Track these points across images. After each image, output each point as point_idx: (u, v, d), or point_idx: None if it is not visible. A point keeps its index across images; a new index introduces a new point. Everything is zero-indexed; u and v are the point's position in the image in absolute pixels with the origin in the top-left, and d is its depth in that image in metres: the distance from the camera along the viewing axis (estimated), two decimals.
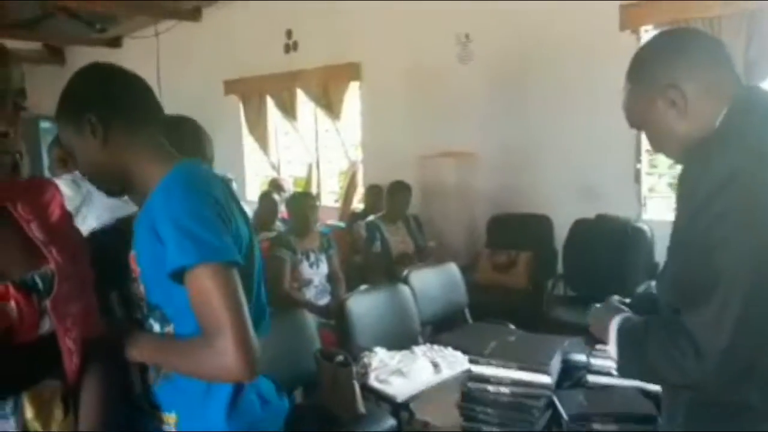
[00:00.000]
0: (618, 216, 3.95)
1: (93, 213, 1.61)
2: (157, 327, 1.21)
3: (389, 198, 4.36)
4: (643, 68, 1.21)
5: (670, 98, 1.16)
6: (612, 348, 1.22)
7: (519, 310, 3.74)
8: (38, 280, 1.02)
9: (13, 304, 0.97)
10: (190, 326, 1.13)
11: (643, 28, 3.98)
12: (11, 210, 1.05)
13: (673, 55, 1.18)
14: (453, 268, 3.57)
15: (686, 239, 1.09)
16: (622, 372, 1.24)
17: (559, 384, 1.85)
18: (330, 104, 5.66)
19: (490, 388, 1.80)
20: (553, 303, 3.99)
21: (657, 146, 1.26)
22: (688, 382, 1.06)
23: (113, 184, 1.24)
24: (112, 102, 1.19)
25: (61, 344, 1.04)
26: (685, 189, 1.14)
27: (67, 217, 1.17)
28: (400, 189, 4.33)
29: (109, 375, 1.13)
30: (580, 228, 4.03)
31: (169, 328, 1.20)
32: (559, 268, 4.27)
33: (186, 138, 1.56)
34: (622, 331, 1.20)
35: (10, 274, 0.99)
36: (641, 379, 1.42)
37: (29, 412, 1.02)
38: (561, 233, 4.19)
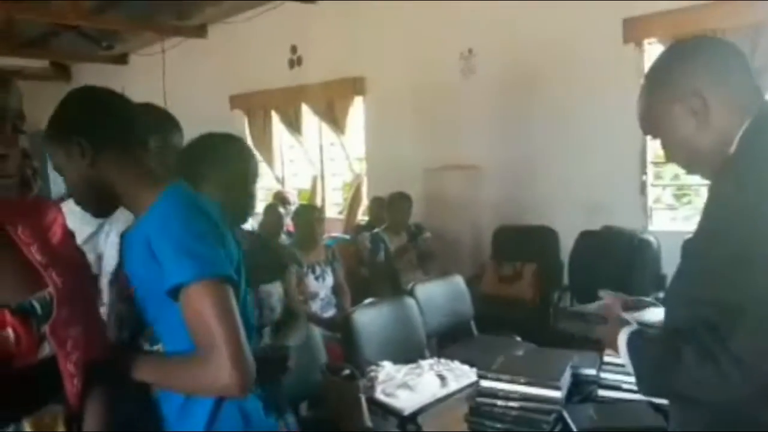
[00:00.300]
0: (624, 228, 3.93)
1: (116, 229, 1.62)
2: (146, 346, 1.21)
3: (389, 209, 4.38)
4: (664, 74, 1.17)
5: (691, 107, 1.12)
6: (627, 364, 1.21)
7: (525, 322, 3.73)
8: (36, 305, 1.01)
9: (10, 330, 0.96)
10: (181, 344, 1.14)
11: (646, 41, 4.00)
12: (11, 233, 1.03)
13: (696, 62, 1.14)
14: (458, 280, 3.57)
15: (717, 256, 1.04)
16: (643, 390, 1.24)
17: (568, 398, 1.83)
18: (335, 118, 5.69)
19: (499, 402, 1.78)
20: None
21: (672, 156, 1.22)
22: (729, 396, 1.03)
23: (101, 205, 1.25)
24: (102, 125, 1.20)
25: (62, 368, 1.03)
26: (715, 209, 1.10)
27: (69, 238, 1.16)
28: (399, 199, 4.35)
29: (112, 397, 1.13)
30: (586, 240, 4.02)
31: (159, 347, 1.20)
32: (565, 279, 4.27)
33: (233, 156, 1.68)
34: (633, 349, 1.19)
35: (7, 299, 0.98)
36: (665, 395, 1.31)
37: None
38: (567, 245, 4.18)
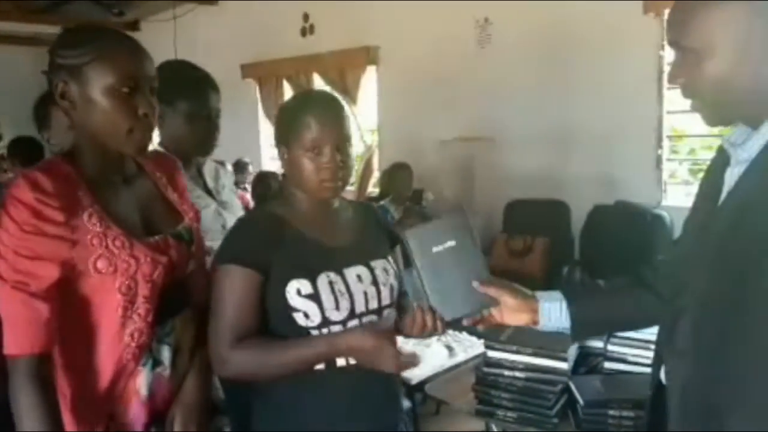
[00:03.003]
0: (638, 203, 3.89)
1: None
2: None
3: (391, 180, 4.40)
4: None
5: (750, 40, 0.93)
6: None
7: None
8: (184, 232, 1.30)
9: (173, 251, 1.25)
10: None
11: (666, 11, 3.89)
12: (154, 179, 1.32)
13: None
14: None
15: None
16: None
17: (575, 370, 1.84)
18: (346, 88, 5.64)
19: (506, 373, 1.79)
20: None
21: (701, 83, 0.98)
22: None
23: None
24: None
25: (198, 280, 1.34)
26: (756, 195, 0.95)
27: (186, 186, 1.43)
28: (398, 169, 4.38)
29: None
30: (599, 214, 3.96)
31: None
32: (576, 254, 4.23)
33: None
34: None
35: (164, 227, 1.27)
36: None
37: (179, 331, 1.30)
38: (579, 219, 4.13)
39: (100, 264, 1.14)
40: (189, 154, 1.81)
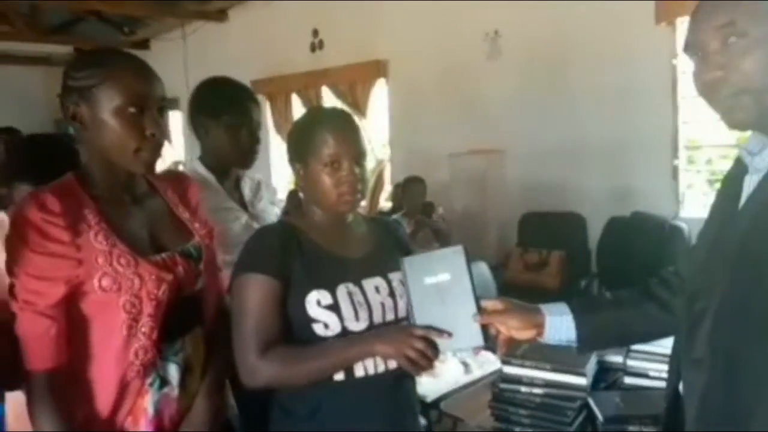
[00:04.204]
0: (655, 214, 3.83)
1: None
2: None
3: (404, 193, 4.42)
4: None
5: None
6: None
7: None
8: (193, 250, 1.31)
9: (180, 268, 1.26)
10: None
11: (679, 20, 3.85)
12: (164, 197, 1.35)
13: None
14: (483, 268, 3.49)
15: None
16: None
17: (594, 386, 1.79)
18: (356, 102, 5.64)
19: (523, 389, 1.75)
20: None
21: (724, 95, 0.95)
22: None
23: None
24: None
25: (207, 298, 1.35)
26: None
27: (201, 203, 1.44)
28: (411, 182, 4.40)
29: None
30: (615, 226, 3.93)
31: None
32: (593, 267, 4.18)
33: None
34: None
35: (172, 245, 1.28)
36: None
37: (189, 349, 1.31)
38: (595, 232, 4.10)
39: (104, 282, 1.16)
40: (229, 166, 1.88)
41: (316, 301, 1.26)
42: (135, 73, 1.20)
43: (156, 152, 1.22)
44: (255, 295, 1.25)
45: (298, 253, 1.30)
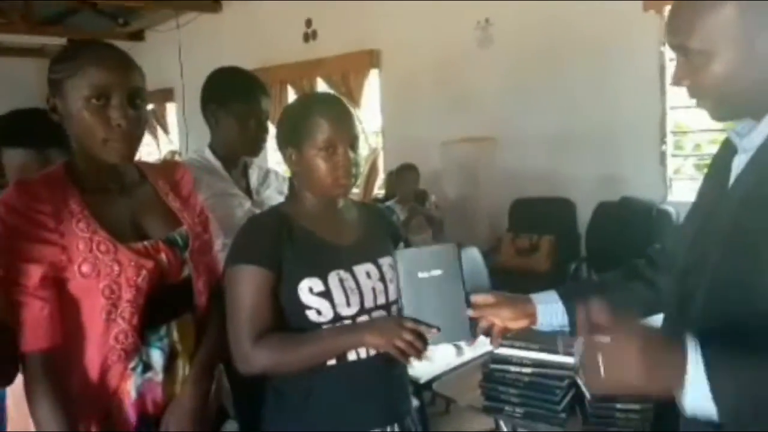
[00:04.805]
0: (643, 198, 3.89)
1: None
2: None
3: (397, 181, 4.45)
4: None
5: (751, 39, 0.93)
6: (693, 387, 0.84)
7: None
8: (178, 238, 1.32)
9: (163, 255, 1.27)
10: None
11: (667, 8, 3.88)
12: (154, 185, 1.36)
13: None
14: (474, 253, 3.55)
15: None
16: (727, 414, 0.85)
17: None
18: (350, 92, 5.66)
19: (513, 368, 1.79)
20: None
21: (703, 80, 0.99)
22: None
23: None
24: None
25: (195, 286, 1.35)
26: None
27: (194, 192, 1.46)
28: (404, 170, 4.42)
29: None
30: (604, 211, 3.99)
31: None
32: (582, 251, 4.25)
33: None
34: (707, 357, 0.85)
35: (157, 233, 1.29)
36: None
37: (175, 336, 1.31)
38: (584, 216, 4.15)
39: (84, 268, 1.18)
40: (237, 154, 1.92)
41: (308, 289, 1.28)
42: (99, 64, 1.19)
43: (127, 142, 1.22)
44: (247, 286, 1.28)
45: (289, 241, 1.31)
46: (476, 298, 1.28)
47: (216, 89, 1.88)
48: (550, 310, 1.26)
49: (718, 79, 0.96)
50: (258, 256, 1.29)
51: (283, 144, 1.38)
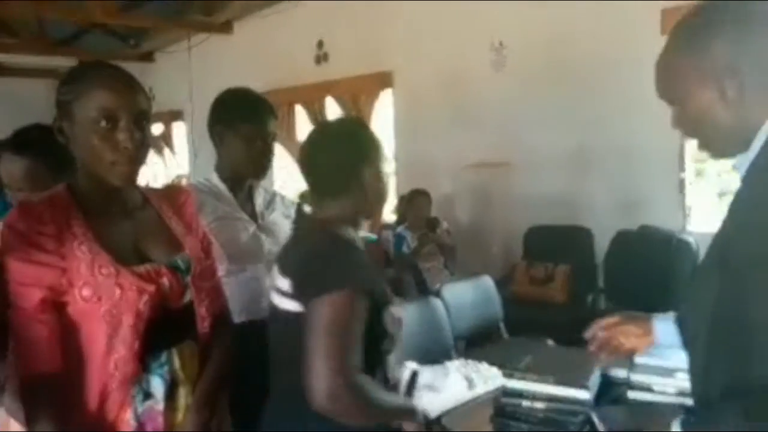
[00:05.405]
0: (662, 228, 3.79)
1: None
2: None
3: (408, 206, 4.45)
4: (698, 40, 1.01)
5: (724, 86, 0.99)
6: None
7: (557, 324, 3.60)
8: (180, 262, 1.32)
9: (165, 280, 1.27)
10: None
11: None
12: (157, 209, 1.37)
13: (738, 33, 0.98)
14: (488, 281, 3.47)
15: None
16: None
17: (597, 400, 1.77)
18: (361, 114, 5.65)
19: (525, 403, 1.75)
20: (594, 318, 3.81)
21: (686, 127, 1.10)
22: None
23: None
24: None
25: (197, 311, 1.35)
26: (754, 215, 0.98)
27: (197, 216, 1.47)
28: (416, 195, 4.42)
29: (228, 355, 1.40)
30: (622, 240, 3.89)
31: None
32: (600, 281, 4.14)
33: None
34: None
35: (159, 257, 1.30)
36: None
37: (177, 363, 1.31)
38: (601, 245, 4.05)
39: (85, 292, 1.18)
40: (243, 176, 1.92)
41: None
42: (107, 86, 1.21)
43: (133, 164, 1.24)
44: (354, 314, 1.21)
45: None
46: (605, 321, 1.38)
47: (223, 111, 1.90)
48: (666, 327, 1.32)
49: (697, 122, 1.06)
50: (361, 283, 1.25)
51: (355, 165, 1.45)
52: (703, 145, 1.11)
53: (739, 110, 1.00)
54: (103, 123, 1.19)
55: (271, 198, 2.03)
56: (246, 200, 1.94)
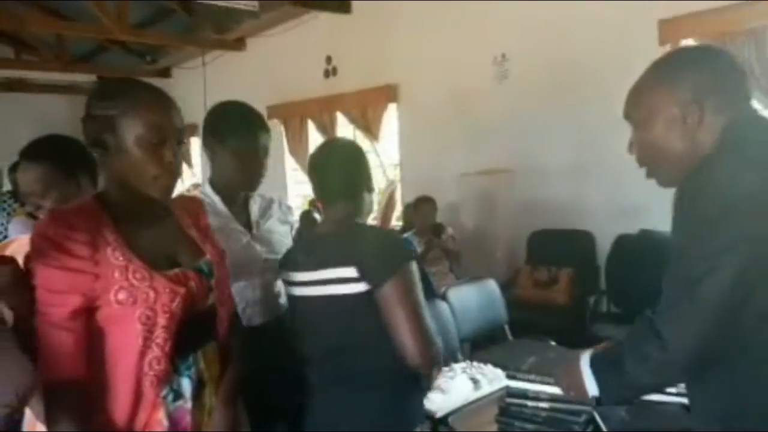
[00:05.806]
0: (662, 231, 3.84)
1: None
2: None
3: (415, 213, 4.47)
4: (674, 73, 1.16)
5: (687, 114, 1.13)
6: (590, 383, 1.24)
7: (561, 327, 3.67)
8: (204, 267, 1.37)
9: (193, 283, 1.32)
10: None
11: (683, 42, 3.93)
12: (177, 219, 1.41)
13: (705, 72, 1.14)
14: (492, 285, 3.52)
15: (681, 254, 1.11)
16: (607, 398, 1.25)
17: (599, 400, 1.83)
18: (368, 126, 5.75)
19: (529, 403, 1.76)
20: (596, 320, 3.91)
21: (641, 151, 1.22)
22: (651, 368, 1.10)
23: None
24: None
25: (219, 313, 1.41)
26: (685, 203, 1.10)
27: (210, 226, 1.51)
28: (422, 202, 4.45)
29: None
30: (624, 243, 3.95)
31: None
32: (602, 284, 4.19)
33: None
34: (594, 361, 1.25)
35: (186, 262, 1.34)
36: (624, 398, 1.43)
37: (202, 364, 1.35)
38: (603, 249, 4.11)
39: (120, 296, 1.20)
40: (236, 189, 1.90)
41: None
42: (157, 105, 1.25)
43: (172, 179, 1.28)
44: (417, 278, 1.47)
45: None
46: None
47: (214, 125, 1.87)
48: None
49: (653, 146, 1.17)
50: (414, 253, 1.56)
51: (365, 186, 1.70)
52: (652, 172, 1.22)
53: (693, 137, 1.13)
54: (153, 140, 1.22)
55: (268, 205, 2.01)
56: (241, 210, 1.92)
